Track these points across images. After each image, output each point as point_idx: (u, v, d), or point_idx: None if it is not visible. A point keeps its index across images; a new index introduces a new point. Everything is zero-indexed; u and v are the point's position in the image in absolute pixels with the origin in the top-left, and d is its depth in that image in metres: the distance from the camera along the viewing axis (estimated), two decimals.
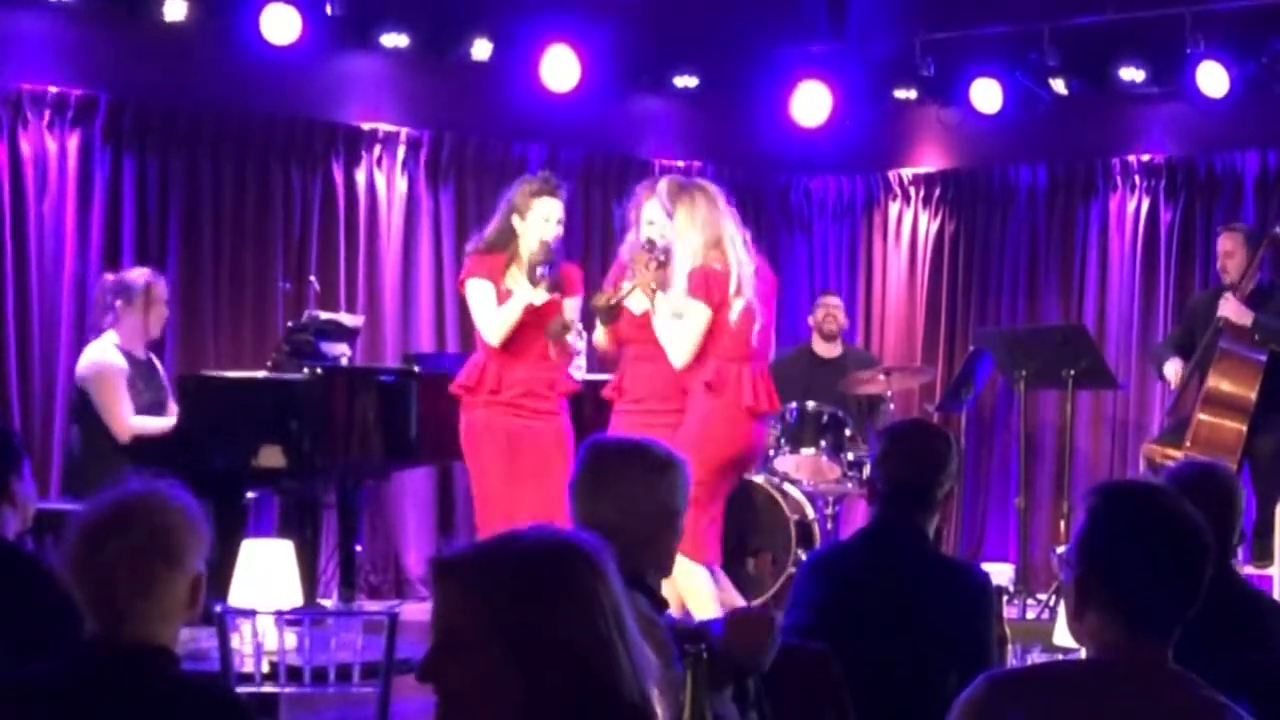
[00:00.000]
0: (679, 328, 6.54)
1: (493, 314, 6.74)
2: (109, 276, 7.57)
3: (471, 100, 9.53)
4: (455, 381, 6.85)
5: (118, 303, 7.32)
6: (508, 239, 6.78)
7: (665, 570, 3.49)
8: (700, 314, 6.51)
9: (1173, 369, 8.51)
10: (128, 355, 7.29)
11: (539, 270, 6.66)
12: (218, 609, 4.73)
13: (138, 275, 7.47)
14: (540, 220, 6.72)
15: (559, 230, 6.77)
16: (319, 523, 7.71)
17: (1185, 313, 8.92)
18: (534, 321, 6.76)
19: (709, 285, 6.50)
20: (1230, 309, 8.20)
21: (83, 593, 2.90)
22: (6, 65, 8.29)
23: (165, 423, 7.22)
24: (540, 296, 6.66)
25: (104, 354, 7.25)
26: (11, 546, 3.85)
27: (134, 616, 2.87)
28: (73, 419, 7.47)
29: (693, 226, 6.50)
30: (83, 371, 7.29)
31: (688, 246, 6.50)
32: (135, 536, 2.86)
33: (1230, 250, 8.44)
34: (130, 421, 7.16)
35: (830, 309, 9.60)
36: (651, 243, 6.56)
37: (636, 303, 6.68)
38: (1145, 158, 9.85)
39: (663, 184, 6.64)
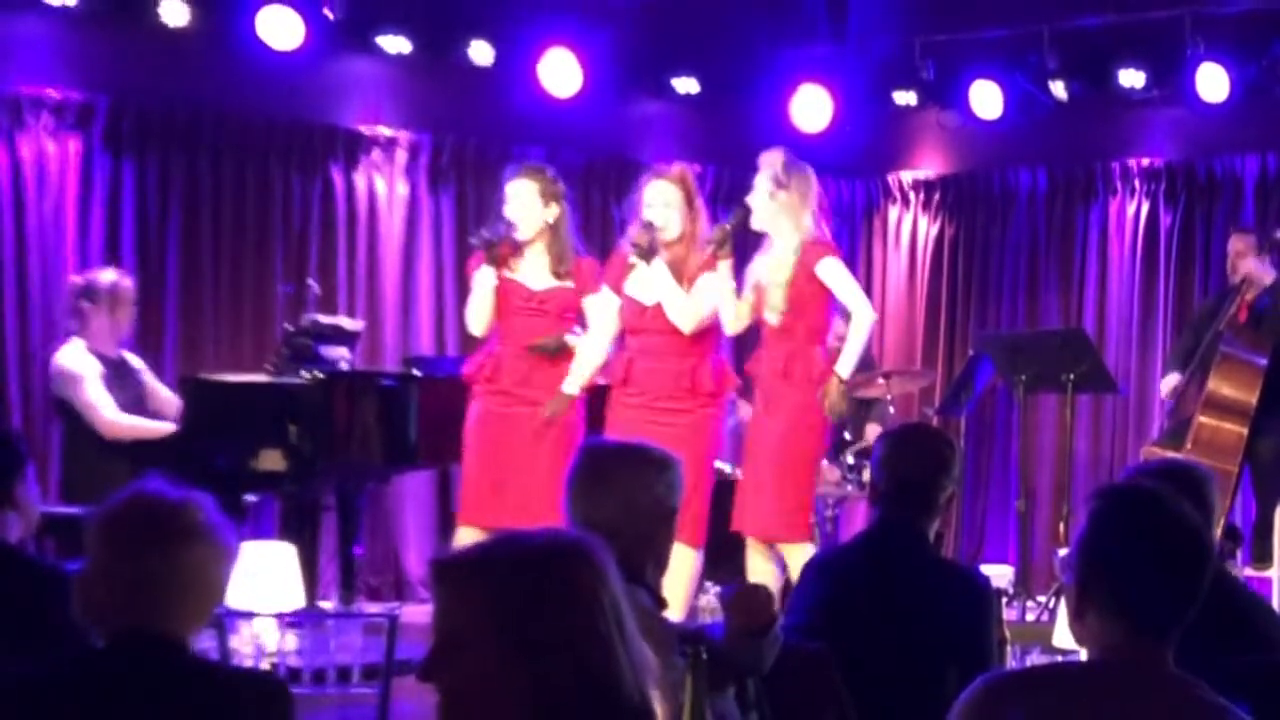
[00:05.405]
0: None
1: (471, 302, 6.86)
2: (76, 279, 7.50)
3: (471, 104, 9.53)
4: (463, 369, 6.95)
5: (84, 304, 7.23)
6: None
7: (663, 567, 3.51)
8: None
9: (1168, 383, 8.52)
10: (99, 356, 7.21)
11: (480, 239, 6.77)
12: (217, 610, 4.73)
13: (103, 276, 7.37)
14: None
15: (520, 211, 6.75)
16: (319, 525, 7.71)
17: (1195, 318, 8.86)
18: (534, 312, 6.75)
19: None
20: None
21: (108, 592, 2.86)
22: (6, 69, 8.29)
23: (160, 427, 7.19)
24: (486, 278, 6.71)
25: (72, 358, 7.15)
26: (11, 549, 3.84)
27: (163, 618, 2.84)
28: (51, 423, 7.44)
29: (804, 202, 6.62)
30: (54, 376, 7.22)
31: (797, 219, 6.61)
32: (173, 541, 2.84)
33: (1241, 250, 8.44)
34: (111, 417, 7.07)
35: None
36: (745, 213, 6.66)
37: (647, 292, 6.66)
38: (1145, 161, 9.85)
39: (777, 155, 6.68)
